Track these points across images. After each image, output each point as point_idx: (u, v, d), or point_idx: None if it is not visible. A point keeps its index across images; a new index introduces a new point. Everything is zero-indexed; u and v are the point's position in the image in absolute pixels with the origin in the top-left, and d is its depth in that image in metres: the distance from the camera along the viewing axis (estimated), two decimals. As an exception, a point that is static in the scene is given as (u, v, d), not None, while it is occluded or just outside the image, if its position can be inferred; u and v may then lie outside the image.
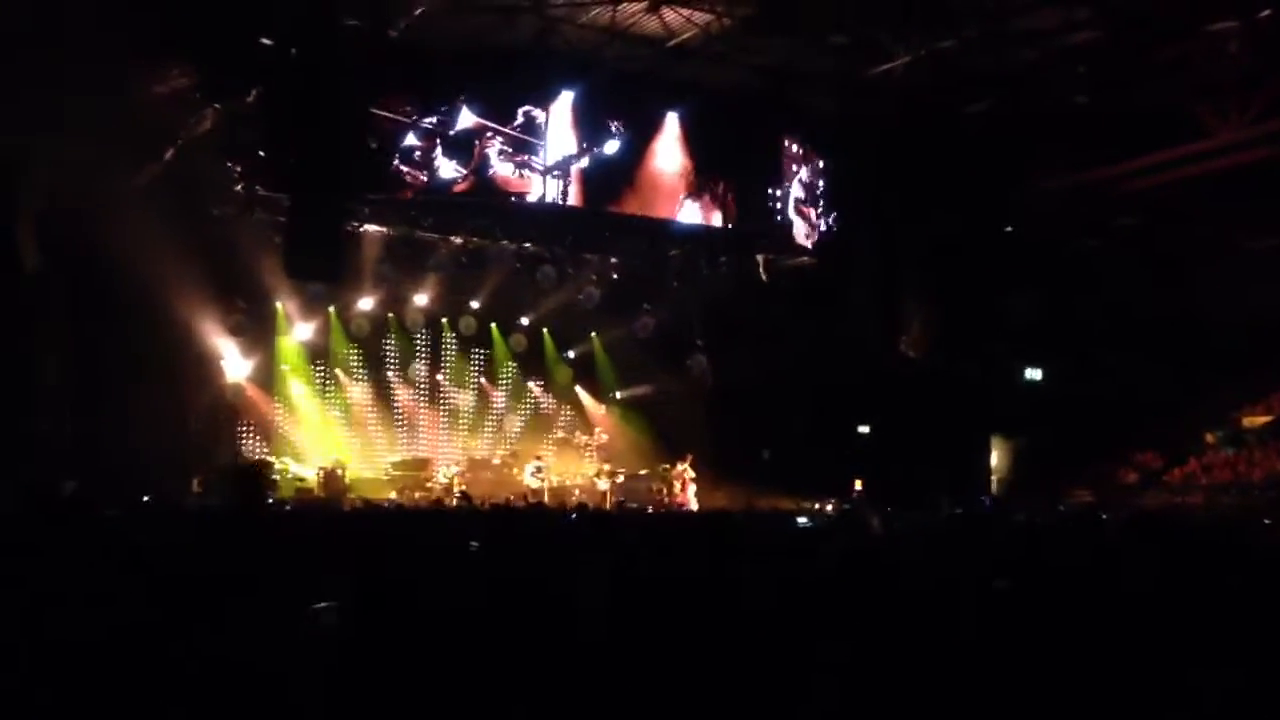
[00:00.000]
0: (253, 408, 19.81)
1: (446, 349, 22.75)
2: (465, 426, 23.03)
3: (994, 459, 26.69)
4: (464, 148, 18.09)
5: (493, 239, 20.48)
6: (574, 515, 9.66)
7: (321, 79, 15.66)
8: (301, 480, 19.17)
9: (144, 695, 2.96)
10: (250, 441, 19.87)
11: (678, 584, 4.71)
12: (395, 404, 22.15)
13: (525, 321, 23.23)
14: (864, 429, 24.43)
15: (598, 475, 21.52)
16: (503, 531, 6.93)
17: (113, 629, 3.43)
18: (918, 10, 17.51)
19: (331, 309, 20.86)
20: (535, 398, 23.95)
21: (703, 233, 21.08)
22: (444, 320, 22.46)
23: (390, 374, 22.10)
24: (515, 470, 21.37)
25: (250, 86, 16.40)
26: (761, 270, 22.43)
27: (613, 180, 19.64)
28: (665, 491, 20.98)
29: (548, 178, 18.84)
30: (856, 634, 3.98)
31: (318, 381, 21.04)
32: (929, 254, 23.39)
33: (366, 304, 21.09)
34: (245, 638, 3.33)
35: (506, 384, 23.63)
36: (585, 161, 19.18)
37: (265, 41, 16.00)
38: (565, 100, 18.86)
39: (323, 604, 3.77)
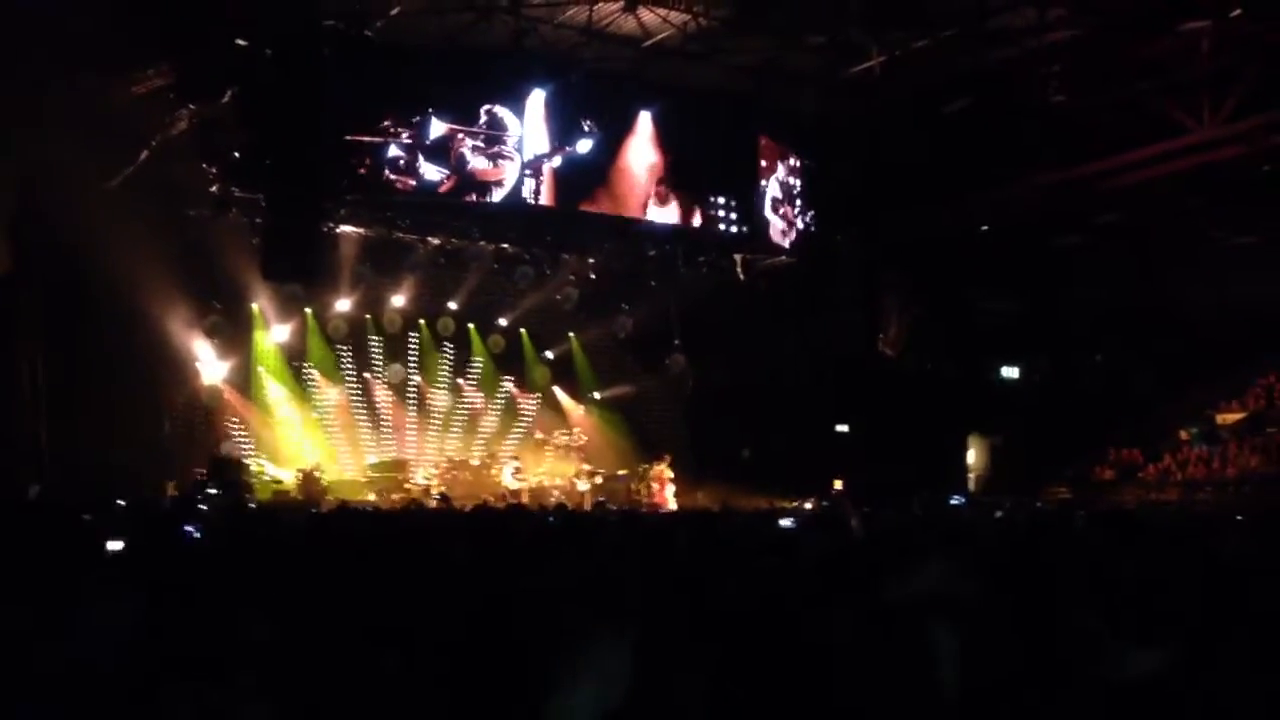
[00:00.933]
0: (229, 410, 19.70)
1: (424, 350, 22.68)
2: (444, 427, 22.97)
3: (972, 457, 26.83)
4: (441, 151, 18.11)
5: (470, 240, 20.45)
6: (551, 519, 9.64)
7: (297, 79, 15.61)
8: (279, 482, 19.07)
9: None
10: (226, 443, 19.71)
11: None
12: (373, 405, 22.07)
13: (503, 322, 23.19)
14: (843, 428, 24.49)
15: (577, 476, 21.50)
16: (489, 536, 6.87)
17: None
18: (894, 9, 17.56)
19: (308, 310, 20.76)
20: (514, 398, 23.92)
21: (678, 232, 21.09)
22: (422, 321, 22.39)
23: (368, 375, 22.02)
24: (494, 471, 21.35)
25: (225, 87, 16.31)
26: (739, 270, 22.46)
27: (585, 179, 19.64)
28: (644, 492, 20.98)
29: (523, 173, 18.84)
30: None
31: (295, 383, 20.92)
32: (907, 253, 23.49)
33: (344, 305, 21.00)
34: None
35: (484, 385, 23.57)
36: (558, 160, 19.17)
37: (240, 42, 15.93)
38: (537, 99, 18.86)
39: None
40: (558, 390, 24.04)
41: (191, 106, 16.51)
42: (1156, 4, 17.48)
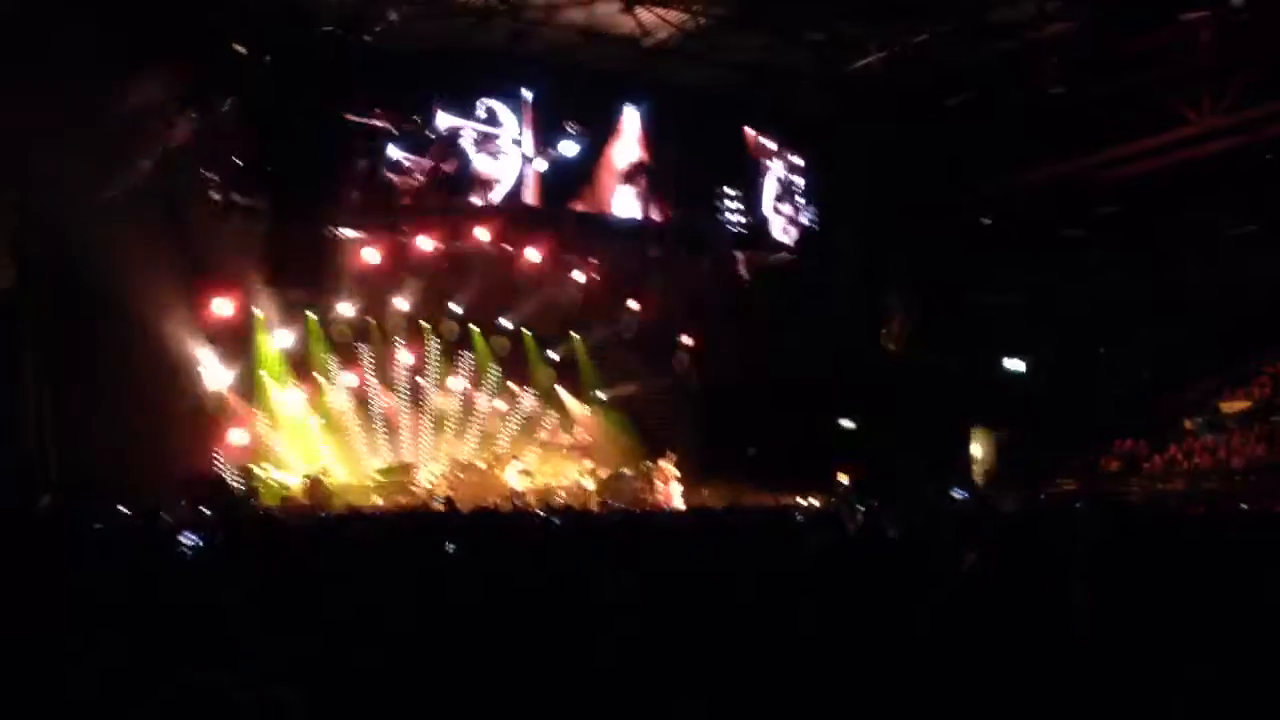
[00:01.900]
0: (234, 416, 19.69)
1: (428, 352, 22.68)
2: (449, 430, 22.97)
3: (977, 450, 26.80)
4: (441, 151, 18.14)
5: (472, 240, 20.45)
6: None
7: (297, 85, 15.64)
8: (286, 488, 19.07)
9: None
10: (231, 450, 19.69)
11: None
12: (377, 409, 22.08)
13: (507, 323, 23.19)
14: (847, 423, 24.49)
15: (582, 475, 21.49)
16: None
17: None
18: (894, 4, 17.55)
19: (311, 315, 20.78)
20: (518, 399, 23.92)
21: (677, 231, 21.09)
22: (425, 324, 22.40)
23: (372, 379, 22.02)
24: (499, 472, 21.34)
25: (226, 94, 16.33)
26: (743, 267, 22.46)
27: (579, 179, 19.68)
28: (649, 490, 20.99)
29: (522, 166, 18.91)
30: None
31: (299, 388, 20.92)
32: (910, 247, 23.48)
33: (346, 309, 21.02)
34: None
35: (489, 386, 23.58)
36: (548, 160, 19.20)
37: (240, 49, 15.94)
38: (528, 99, 18.89)
39: None
40: (562, 390, 24.03)
41: (192, 114, 16.51)
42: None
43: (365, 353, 21.89)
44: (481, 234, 20.15)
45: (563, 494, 20.70)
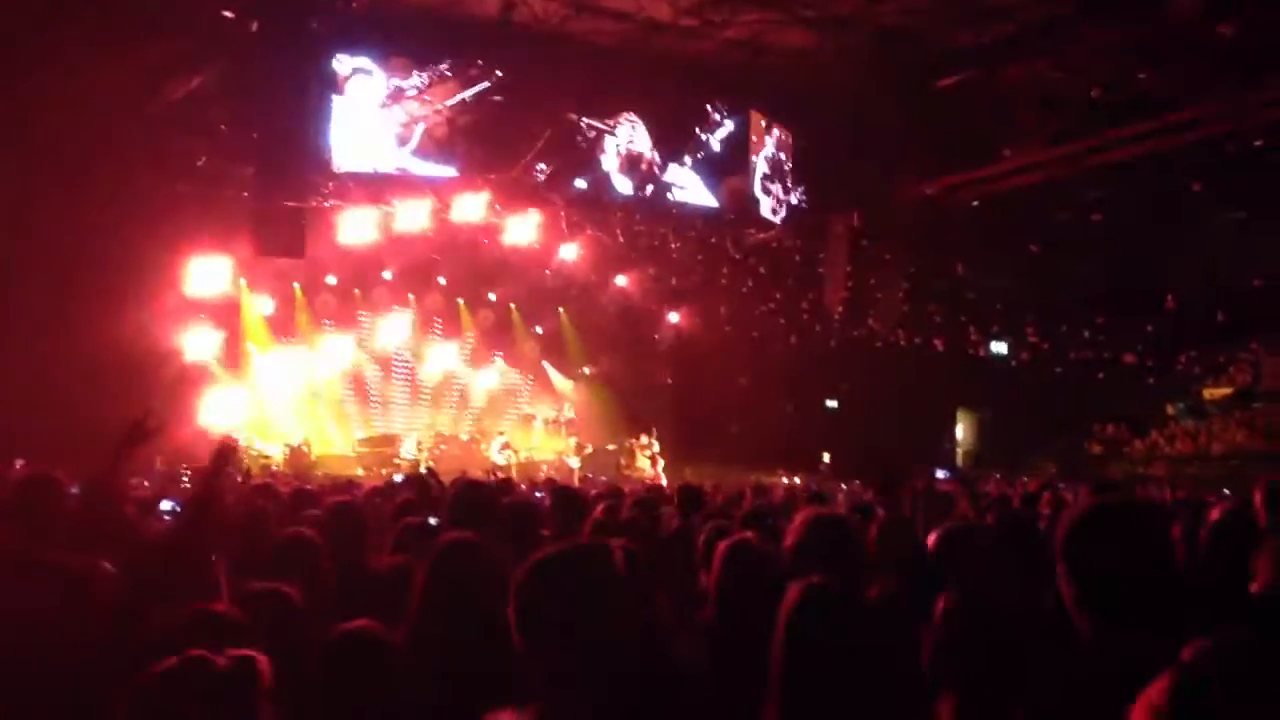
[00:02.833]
0: (216, 385, 19.59)
1: (413, 324, 22.60)
2: (432, 402, 22.94)
3: (960, 432, 26.92)
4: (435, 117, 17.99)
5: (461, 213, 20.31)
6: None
7: (284, 52, 15.47)
8: (267, 458, 19.00)
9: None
10: (213, 420, 19.60)
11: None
12: (361, 380, 22.02)
13: (493, 296, 23.12)
14: (832, 403, 24.56)
15: (565, 451, 21.48)
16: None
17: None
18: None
19: (296, 284, 20.67)
20: (502, 373, 23.88)
21: (667, 208, 20.98)
22: (410, 296, 22.31)
23: (356, 350, 21.95)
24: (483, 446, 21.33)
25: (213, 60, 16.15)
26: (730, 245, 22.42)
27: (574, 154, 19.53)
28: (632, 465, 21.00)
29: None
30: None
31: (282, 358, 20.83)
32: (897, 228, 23.46)
33: (332, 279, 20.91)
34: None
35: (474, 359, 23.53)
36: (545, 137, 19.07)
37: (227, 14, 15.75)
38: (524, 74, 18.70)
39: None
40: (547, 365, 24.01)
41: (178, 79, 16.32)
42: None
43: (349, 324, 21.81)
44: (472, 206, 19.95)
45: (545, 468, 20.68)
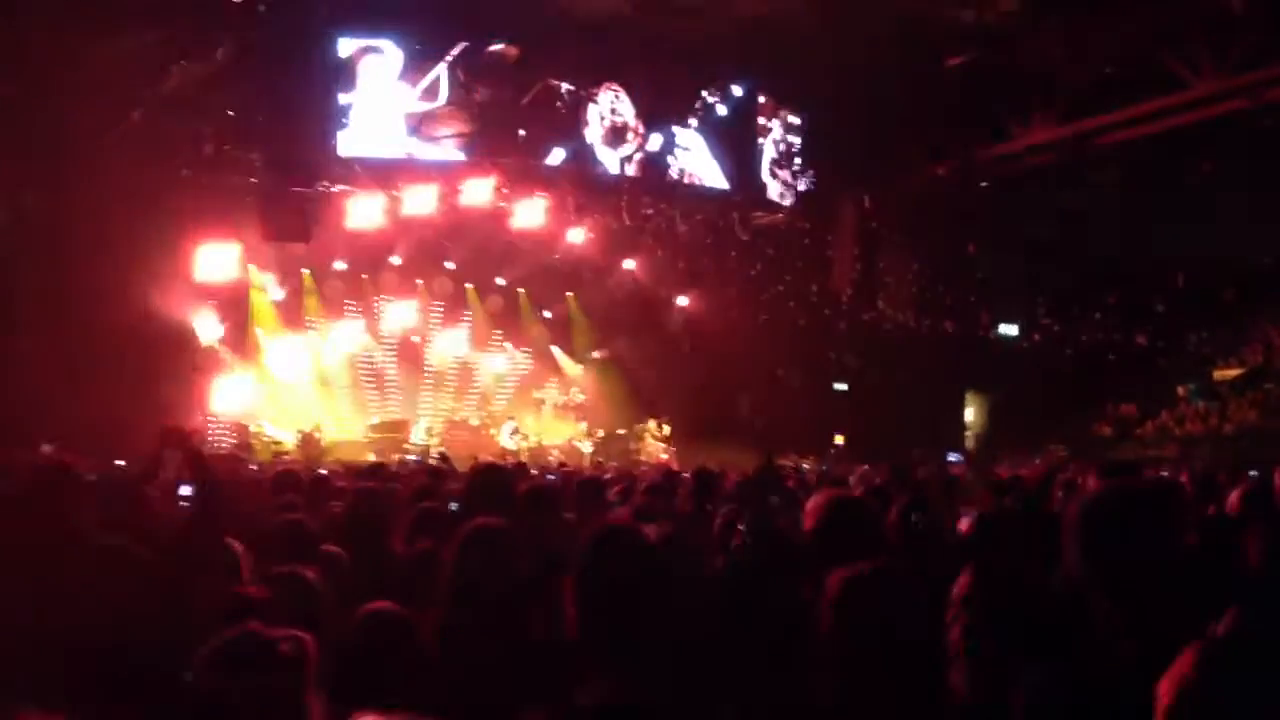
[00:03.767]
0: (227, 371, 19.60)
1: (422, 310, 22.59)
2: (442, 388, 22.94)
3: (970, 415, 26.88)
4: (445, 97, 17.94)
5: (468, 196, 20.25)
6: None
7: (291, 35, 15.44)
8: (279, 444, 19.03)
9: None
10: (224, 406, 19.62)
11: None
12: (371, 365, 22.04)
13: (502, 281, 23.09)
14: (842, 386, 24.52)
15: (575, 436, 21.48)
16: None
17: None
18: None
19: (305, 270, 20.66)
20: (512, 358, 23.87)
21: (673, 189, 20.90)
22: (419, 281, 22.29)
23: (366, 335, 21.95)
24: (493, 431, 21.33)
25: (219, 43, 16.10)
26: (739, 227, 22.34)
27: (579, 137, 19.45)
28: (643, 449, 21.01)
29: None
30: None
31: (292, 344, 20.83)
32: (907, 210, 23.40)
33: (341, 265, 20.90)
34: None
35: (484, 345, 23.51)
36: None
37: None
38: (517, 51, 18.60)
39: None
40: (556, 350, 23.99)
41: (184, 63, 16.27)
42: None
43: (359, 309, 21.80)
44: (479, 190, 19.89)
45: (556, 453, 20.69)
